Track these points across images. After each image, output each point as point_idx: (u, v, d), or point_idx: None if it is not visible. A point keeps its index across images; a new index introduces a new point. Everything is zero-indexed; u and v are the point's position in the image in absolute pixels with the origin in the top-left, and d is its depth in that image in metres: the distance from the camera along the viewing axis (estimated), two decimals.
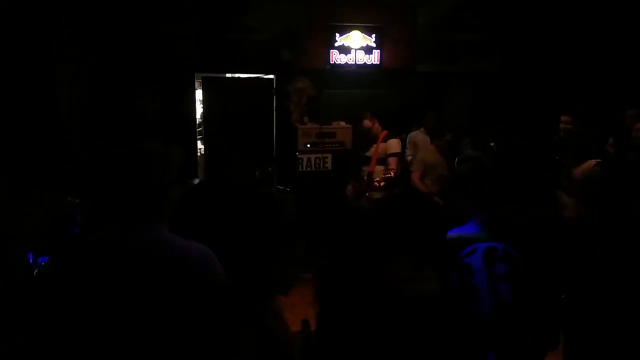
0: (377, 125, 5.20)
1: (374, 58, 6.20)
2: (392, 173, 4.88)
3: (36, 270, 2.34)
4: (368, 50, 6.18)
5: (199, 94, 6.22)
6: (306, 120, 5.86)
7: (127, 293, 1.49)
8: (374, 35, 6.16)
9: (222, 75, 6.24)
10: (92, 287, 1.51)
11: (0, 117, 3.72)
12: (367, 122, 5.20)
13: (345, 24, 6.10)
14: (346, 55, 6.13)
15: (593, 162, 3.37)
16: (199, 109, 6.28)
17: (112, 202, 1.52)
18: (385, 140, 5.13)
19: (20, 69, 4.08)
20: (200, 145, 6.33)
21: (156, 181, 1.54)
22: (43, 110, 4.30)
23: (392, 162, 5.01)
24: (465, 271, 1.81)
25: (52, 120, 4.46)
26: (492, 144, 4.83)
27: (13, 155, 3.51)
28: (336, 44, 6.08)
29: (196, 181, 4.93)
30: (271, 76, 6.21)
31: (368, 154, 5.21)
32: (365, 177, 5.11)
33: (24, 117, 4.00)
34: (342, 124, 5.86)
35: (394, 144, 5.11)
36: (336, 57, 6.11)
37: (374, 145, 5.17)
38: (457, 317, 1.60)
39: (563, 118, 4.80)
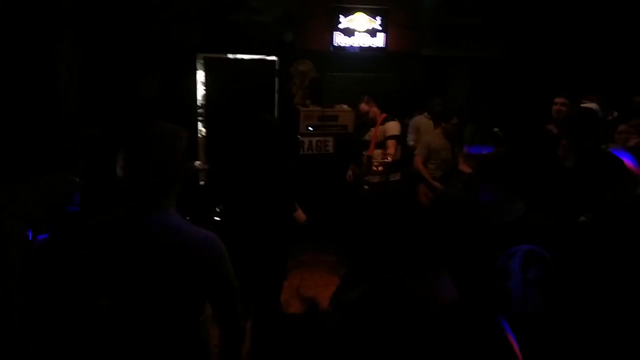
0: (374, 108, 5.15)
1: (379, 41, 6.12)
2: (389, 157, 4.84)
3: (35, 247, 2.33)
4: (372, 33, 6.09)
5: (200, 75, 6.15)
6: (308, 103, 5.81)
7: (127, 272, 1.50)
8: (379, 18, 6.07)
9: (224, 55, 6.17)
10: (93, 265, 1.52)
11: (3, 97, 3.68)
12: (363, 106, 5.15)
13: (350, 6, 6.01)
14: (350, 37, 6.05)
15: None
16: (201, 90, 6.22)
17: (122, 182, 1.50)
18: (383, 123, 5.09)
19: (22, 50, 4.03)
20: (201, 127, 6.28)
21: (167, 162, 1.51)
22: (44, 90, 4.26)
23: (391, 144, 4.96)
24: (502, 275, 1.76)
25: (53, 100, 4.42)
26: (496, 129, 4.78)
27: (14, 134, 3.48)
28: (340, 26, 6.00)
29: (197, 163, 4.92)
30: (274, 58, 6.14)
31: (367, 137, 5.18)
32: (365, 161, 5.09)
33: (26, 97, 3.97)
34: (345, 107, 5.81)
35: (392, 126, 5.06)
36: (340, 40, 6.03)
37: (372, 129, 5.13)
38: (482, 323, 1.56)
39: (557, 100, 4.73)
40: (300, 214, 3.44)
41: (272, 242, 3.13)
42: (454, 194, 2.26)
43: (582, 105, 4.34)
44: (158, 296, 1.51)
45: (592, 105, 4.22)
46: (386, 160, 4.81)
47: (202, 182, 5.07)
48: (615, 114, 4.79)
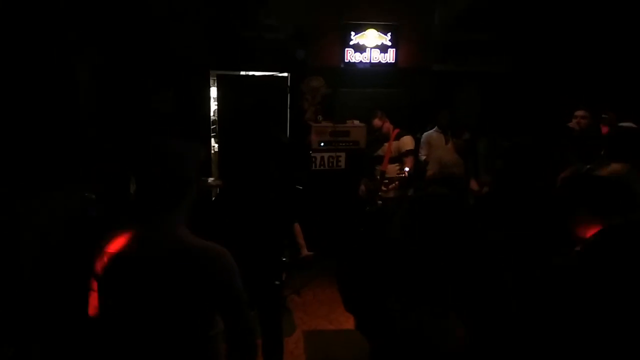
0: (387, 124, 5.17)
1: (389, 57, 6.17)
2: (405, 173, 4.84)
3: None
4: (383, 49, 6.14)
5: (213, 92, 6.23)
6: (320, 119, 5.85)
7: (137, 287, 1.52)
8: (389, 34, 6.12)
9: (236, 72, 6.25)
10: (106, 279, 1.55)
11: (23, 111, 3.77)
12: (376, 121, 5.17)
13: (360, 22, 6.07)
14: (361, 53, 6.10)
15: None
16: (213, 107, 6.29)
17: (130, 197, 1.52)
18: (397, 138, 5.09)
19: (42, 65, 4.13)
20: (214, 143, 6.34)
21: (174, 178, 1.54)
22: (63, 107, 4.35)
23: (408, 161, 4.97)
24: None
25: (71, 117, 4.51)
26: (507, 143, 4.76)
27: (33, 148, 3.55)
28: (351, 43, 6.06)
29: (210, 180, 4.95)
30: (285, 74, 6.21)
31: (380, 152, 5.18)
32: (378, 177, 5.08)
33: (45, 112, 4.05)
34: (356, 122, 5.83)
35: (407, 141, 5.07)
36: (351, 56, 6.09)
37: (386, 144, 5.13)
38: None
39: (577, 113, 4.70)
40: (304, 251, 3.41)
41: (275, 256, 3.14)
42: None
43: (620, 124, 4.33)
44: (168, 311, 1.52)
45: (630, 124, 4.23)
46: (403, 175, 4.81)
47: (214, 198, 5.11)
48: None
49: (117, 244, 1.54)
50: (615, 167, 1.68)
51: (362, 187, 5.33)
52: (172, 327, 1.54)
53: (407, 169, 4.89)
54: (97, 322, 1.61)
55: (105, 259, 1.54)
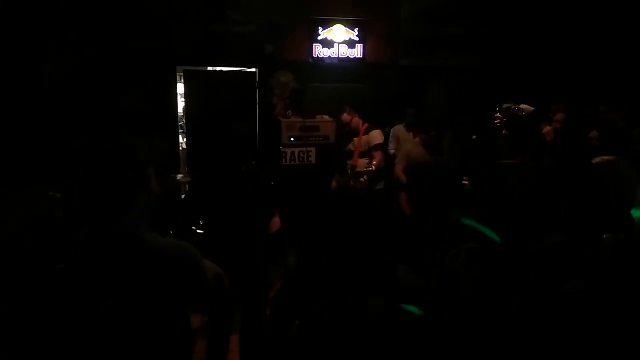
0: (356, 119, 5.22)
1: (357, 52, 6.21)
2: (373, 167, 4.89)
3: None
4: (351, 44, 6.18)
5: (180, 88, 6.14)
6: (290, 114, 5.84)
7: (102, 289, 1.48)
8: (357, 30, 6.16)
9: (204, 68, 6.18)
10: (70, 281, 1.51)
11: None
12: (345, 116, 5.22)
13: (328, 18, 6.09)
14: (329, 49, 6.13)
15: None
16: (181, 103, 6.21)
17: (89, 197, 1.49)
18: (367, 132, 5.15)
19: (8, 67, 4.00)
20: (182, 139, 6.26)
21: (130, 177, 1.49)
22: (28, 106, 4.23)
23: (378, 155, 5.03)
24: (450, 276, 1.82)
25: (37, 115, 4.39)
26: (474, 137, 4.88)
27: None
28: (319, 38, 6.07)
29: (179, 177, 4.90)
30: (254, 70, 6.17)
31: (350, 147, 5.22)
32: (349, 171, 5.13)
33: (10, 111, 3.93)
34: (326, 117, 5.85)
35: (376, 136, 5.13)
36: (319, 51, 6.10)
37: (356, 139, 5.18)
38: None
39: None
40: (275, 221, 3.41)
41: (254, 251, 3.13)
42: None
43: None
44: (136, 312, 1.49)
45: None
46: (370, 169, 4.86)
47: (184, 195, 5.05)
48: None
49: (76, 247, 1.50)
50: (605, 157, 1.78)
51: (334, 182, 5.37)
52: (142, 328, 1.51)
53: (374, 162, 4.95)
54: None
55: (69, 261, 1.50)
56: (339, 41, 6.13)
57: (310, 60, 6.13)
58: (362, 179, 4.87)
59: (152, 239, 1.54)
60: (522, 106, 4.24)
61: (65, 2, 4.91)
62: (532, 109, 4.26)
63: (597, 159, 1.79)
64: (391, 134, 5.76)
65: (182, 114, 6.22)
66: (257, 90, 6.17)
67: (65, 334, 1.51)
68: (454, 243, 1.86)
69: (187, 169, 6.02)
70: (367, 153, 5.12)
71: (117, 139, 1.56)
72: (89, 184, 1.48)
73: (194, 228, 3.20)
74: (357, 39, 6.18)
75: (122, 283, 1.48)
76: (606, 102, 4.55)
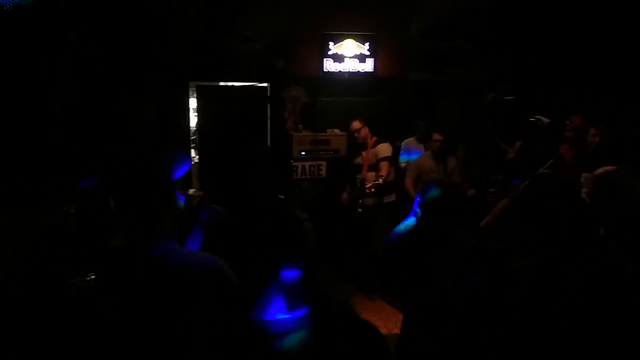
0: (365, 130, 5.22)
1: (368, 66, 6.24)
2: (380, 180, 4.89)
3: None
4: (361, 58, 6.22)
5: (192, 102, 6.22)
6: (300, 128, 5.88)
7: (133, 304, 1.47)
8: (367, 44, 6.20)
9: (215, 83, 6.25)
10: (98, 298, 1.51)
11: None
12: (356, 123, 5.21)
13: (338, 33, 6.14)
14: (340, 63, 6.17)
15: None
16: (193, 118, 6.27)
17: (110, 212, 1.51)
18: (374, 145, 5.16)
19: (19, 77, 4.08)
20: (194, 154, 6.31)
21: (151, 192, 1.50)
22: (41, 120, 4.30)
23: (384, 167, 5.03)
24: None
25: (50, 130, 4.45)
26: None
27: (10, 163, 3.50)
28: (330, 52, 6.12)
29: (191, 191, 4.93)
30: (265, 84, 6.23)
31: (359, 160, 5.23)
32: (359, 184, 5.13)
33: (23, 125, 4.00)
34: (336, 131, 5.88)
35: (383, 148, 5.13)
36: (330, 65, 6.14)
37: (364, 152, 5.20)
38: None
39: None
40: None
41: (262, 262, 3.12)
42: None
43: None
44: (168, 326, 1.47)
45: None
46: (377, 182, 4.86)
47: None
48: None
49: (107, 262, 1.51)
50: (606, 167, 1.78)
51: (345, 195, 5.37)
52: (173, 342, 1.47)
53: (381, 174, 4.95)
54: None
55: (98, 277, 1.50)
56: (349, 55, 6.17)
57: (321, 75, 6.17)
58: (368, 191, 4.87)
59: (186, 251, 1.57)
60: (539, 117, 4.24)
61: (79, 17, 4.99)
62: (549, 120, 4.26)
63: (600, 170, 1.78)
64: (402, 147, 5.77)
65: (195, 128, 6.28)
66: (268, 105, 6.22)
67: (96, 345, 1.52)
68: (464, 269, 1.86)
69: (199, 183, 6.06)
70: (375, 166, 5.12)
71: (142, 155, 1.57)
72: (117, 200, 1.50)
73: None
74: (367, 53, 6.22)
75: (157, 294, 1.47)
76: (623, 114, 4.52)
